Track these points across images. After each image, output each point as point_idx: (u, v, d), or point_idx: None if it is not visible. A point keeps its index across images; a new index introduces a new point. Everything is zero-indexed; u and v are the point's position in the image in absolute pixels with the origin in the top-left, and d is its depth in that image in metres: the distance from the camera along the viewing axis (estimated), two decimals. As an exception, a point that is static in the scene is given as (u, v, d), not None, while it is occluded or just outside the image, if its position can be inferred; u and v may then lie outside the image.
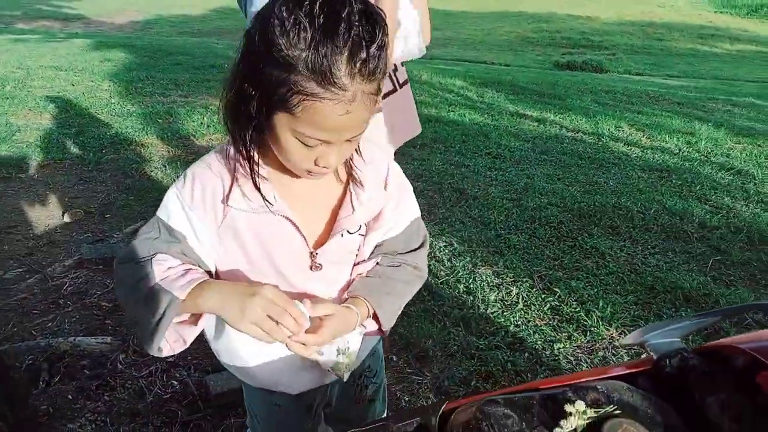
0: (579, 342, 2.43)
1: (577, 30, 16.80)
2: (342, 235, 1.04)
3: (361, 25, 0.77)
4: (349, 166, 1.04)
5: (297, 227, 0.99)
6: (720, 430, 0.73)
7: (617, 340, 2.45)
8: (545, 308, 2.64)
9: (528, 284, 2.83)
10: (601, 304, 2.65)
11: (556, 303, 2.68)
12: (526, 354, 2.33)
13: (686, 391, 0.77)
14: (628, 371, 0.84)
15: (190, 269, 0.98)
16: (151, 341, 0.94)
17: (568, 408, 0.74)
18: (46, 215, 3.40)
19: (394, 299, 1.09)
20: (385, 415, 1.37)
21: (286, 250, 1.02)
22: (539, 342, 2.41)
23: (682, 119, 6.23)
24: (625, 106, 6.90)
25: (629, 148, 5.12)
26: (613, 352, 2.36)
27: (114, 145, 4.50)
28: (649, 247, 3.27)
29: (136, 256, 0.97)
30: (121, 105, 5.59)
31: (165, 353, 0.99)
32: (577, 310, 2.64)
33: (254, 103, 0.85)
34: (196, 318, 0.98)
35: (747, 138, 5.59)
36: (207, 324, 1.11)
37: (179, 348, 0.99)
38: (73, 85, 6.25)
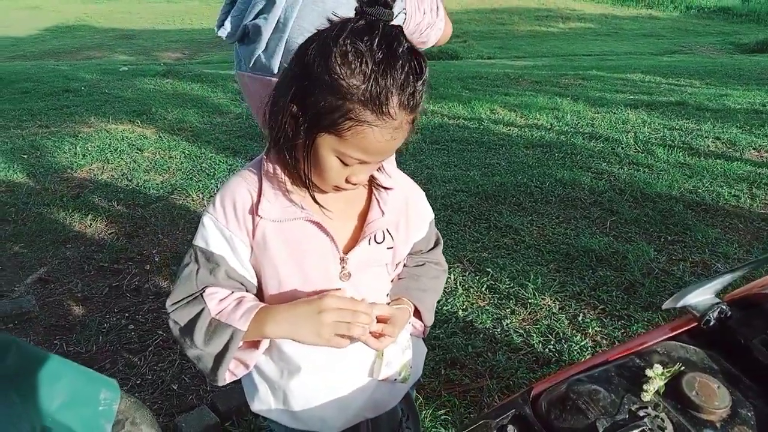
0: (523, 315, 2.60)
1: (427, 21, 17.54)
2: (369, 243, 1.06)
3: (412, 62, 0.85)
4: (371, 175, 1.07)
5: (326, 231, 1.01)
6: (766, 365, 0.86)
7: (553, 306, 2.65)
8: (483, 289, 2.79)
9: (460, 269, 2.97)
10: (531, 277, 2.84)
11: (491, 282, 2.84)
12: (481, 335, 2.45)
13: (731, 339, 0.89)
14: (675, 331, 0.94)
15: (242, 297, 1.01)
16: (215, 375, 1.00)
17: (648, 373, 0.83)
18: None
19: (429, 295, 1.16)
20: None
21: (316, 256, 1.02)
22: (488, 321, 2.54)
23: (544, 96, 6.78)
24: (492, 89, 7.36)
25: (509, 128, 5.49)
26: (555, 319, 2.56)
27: (-21, 190, 4.02)
28: (553, 217, 3.56)
29: (185, 297, 1.00)
30: (-27, 144, 4.99)
31: (228, 380, 1.03)
32: (511, 286, 2.81)
33: (299, 124, 0.89)
34: (256, 342, 1.01)
35: (602, 107, 6.22)
36: (228, 378, 1.08)
37: (241, 373, 1.04)
38: None
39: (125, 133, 5.25)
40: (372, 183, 1.07)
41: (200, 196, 3.91)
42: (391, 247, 1.09)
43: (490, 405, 2.06)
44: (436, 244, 1.23)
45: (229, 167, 4.42)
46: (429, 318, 1.18)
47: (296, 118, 0.89)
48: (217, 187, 4.02)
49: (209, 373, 1.01)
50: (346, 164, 0.91)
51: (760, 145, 4.81)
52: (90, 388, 0.82)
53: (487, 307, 2.65)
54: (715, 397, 0.83)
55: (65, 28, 16.71)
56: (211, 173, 4.31)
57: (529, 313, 2.62)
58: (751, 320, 0.92)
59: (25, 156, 4.68)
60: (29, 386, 0.75)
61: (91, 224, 3.50)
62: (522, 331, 2.48)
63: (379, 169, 1.06)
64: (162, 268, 3.05)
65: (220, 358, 0.98)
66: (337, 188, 0.97)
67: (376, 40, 0.82)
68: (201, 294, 0.99)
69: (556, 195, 3.86)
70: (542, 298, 2.71)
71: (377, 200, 1.06)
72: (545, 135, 5.24)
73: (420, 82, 0.86)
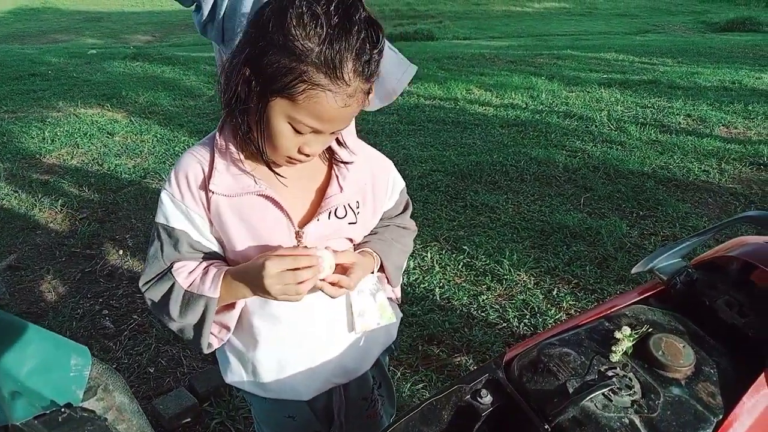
0: (499, 291, 2.63)
1: (402, 1, 17.40)
2: (329, 217, 1.05)
3: (368, 30, 0.84)
4: (330, 149, 1.07)
5: (280, 206, 1.00)
6: (730, 325, 0.88)
7: (529, 282, 2.68)
8: (459, 266, 2.81)
9: (437, 247, 2.98)
10: (507, 254, 2.87)
11: (468, 260, 2.86)
12: (458, 311, 2.47)
13: (697, 301, 0.91)
14: (643, 295, 0.96)
15: (209, 265, 1.02)
16: (199, 343, 1.03)
17: (617, 335, 0.84)
18: None
19: (394, 249, 1.15)
20: (394, 415, 1.42)
21: (271, 230, 1.01)
22: (465, 298, 2.56)
23: (519, 76, 6.79)
24: (468, 69, 7.35)
25: (484, 108, 5.50)
26: (530, 294, 2.59)
27: (-56, 177, 3.91)
28: (528, 195, 3.58)
29: (155, 275, 1.02)
30: (-64, 131, 4.85)
31: (216, 346, 1.07)
32: (487, 263, 2.84)
33: (252, 87, 0.88)
34: (232, 303, 1.04)
35: (576, 86, 6.26)
36: (216, 343, 1.10)
37: (226, 336, 1.07)
38: None
39: (95, 118, 5.14)
40: (332, 158, 1.06)
41: (174, 179, 3.85)
42: (354, 223, 1.08)
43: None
44: (404, 209, 1.23)
45: (202, 150, 4.35)
46: (395, 275, 1.16)
47: (249, 81, 0.87)
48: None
49: (193, 342, 1.03)
50: (298, 132, 0.89)
51: (729, 122, 4.90)
52: (60, 353, 0.81)
53: (464, 284, 2.67)
54: (680, 356, 0.84)
55: (30, 10, 16.22)
56: (185, 156, 4.25)
57: (505, 289, 2.64)
58: (715, 282, 0.94)
59: (-9, 142, 4.56)
60: None
61: (61, 210, 3.43)
62: (498, 307, 2.51)
63: (340, 144, 1.05)
64: (135, 252, 3.01)
65: (199, 328, 1.00)
66: (290, 160, 0.95)
67: (333, 4, 0.81)
68: (169, 270, 1.00)
69: (531, 173, 3.89)
70: (518, 274, 2.74)
71: (336, 176, 1.05)
72: (520, 114, 5.27)
73: (376, 51, 0.85)
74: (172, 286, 0.99)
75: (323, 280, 0.96)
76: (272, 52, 0.83)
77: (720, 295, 0.91)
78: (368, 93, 0.90)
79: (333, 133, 0.93)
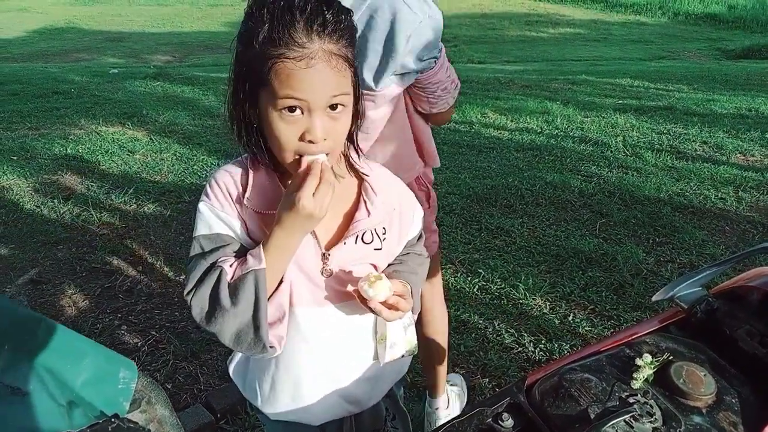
0: (514, 315, 2.63)
1: (417, 25, 17.59)
2: (356, 242, 1.06)
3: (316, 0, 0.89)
4: (358, 176, 1.09)
5: None
6: (751, 355, 0.89)
7: (544, 307, 2.68)
8: (475, 290, 2.82)
9: (452, 270, 2.99)
10: (522, 278, 2.88)
11: (483, 283, 2.87)
12: (473, 334, 2.48)
13: (717, 330, 0.92)
14: (664, 323, 0.98)
15: (247, 252, 0.99)
16: (260, 337, 0.96)
17: (638, 362, 0.86)
18: None
19: (418, 282, 1.17)
20: None
21: (299, 250, 1.01)
22: (480, 321, 2.57)
23: (534, 100, 6.83)
24: (483, 93, 7.41)
25: (499, 132, 5.53)
26: (545, 319, 2.59)
27: (-31, 191, 4.00)
28: (543, 220, 3.59)
29: (198, 277, 0.98)
30: (-38, 146, 4.97)
31: (276, 343, 1.00)
32: (502, 286, 2.84)
33: (242, 99, 0.95)
34: (281, 317, 1.01)
35: (591, 111, 6.28)
36: (233, 360, 1.14)
37: (283, 343, 1.02)
38: None
39: (116, 136, 5.24)
40: (361, 186, 1.09)
41: (192, 198, 3.91)
42: (379, 249, 1.10)
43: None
44: (419, 239, 1.24)
45: (221, 169, 4.42)
46: (417, 305, 1.18)
47: (238, 94, 0.94)
48: (209, 188, 4.03)
49: (254, 341, 0.97)
50: (289, 113, 0.91)
51: (746, 149, 4.89)
52: (110, 366, 0.85)
53: (479, 307, 2.68)
54: (701, 385, 0.85)
55: (54, 30, 16.59)
56: (203, 175, 4.31)
57: (520, 314, 2.65)
58: (736, 312, 0.95)
59: (15, 158, 4.66)
60: (56, 363, 0.77)
61: (82, 226, 3.49)
62: (513, 331, 2.51)
63: (355, 154, 1.08)
64: (154, 269, 3.05)
65: (257, 314, 0.95)
66: (300, 157, 0.95)
67: None
68: (212, 269, 0.98)
69: (547, 197, 3.90)
70: (533, 299, 2.74)
71: (364, 200, 1.07)
72: (536, 138, 5.29)
73: (329, 12, 0.89)
74: (220, 275, 0.96)
75: (383, 303, 0.98)
76: (242, 57, 0.92)
77: (741, 325, 0.93)
78: (345, 57, 0.92)
79: (332, 116, 0.93)
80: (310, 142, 0.93)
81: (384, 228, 1.10)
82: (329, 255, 1.04)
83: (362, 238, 1.07)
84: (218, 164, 4.52)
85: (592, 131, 5.49)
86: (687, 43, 15.72)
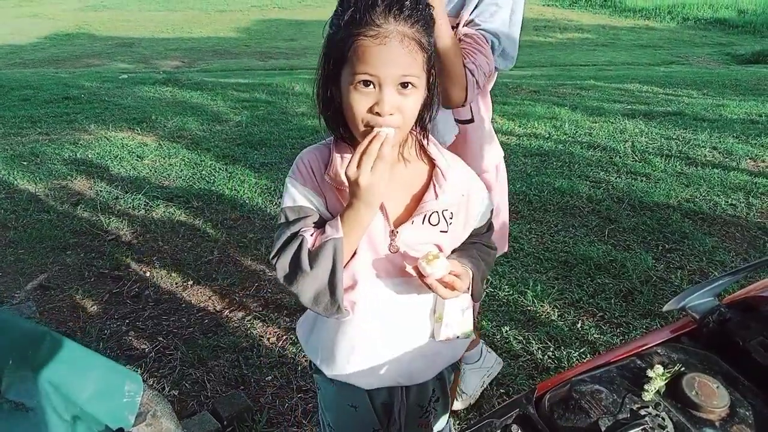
0: (522, 322, 2.61)
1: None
2: (423, 222, 1.13)
3: None
4: (431, 161, 1.15)
5: (380, 203, 1.07)
6: (764, 366, 0.87)
7: (552, 314, 2.67)
8: (483, 297, 2.80)
9: (460, 276, 2.97)
10: (530, 284, 2.86)
11: (491, 290, 2.86)
12: (481, 341, 2.46)
13: (729, 341, 0.91)
14: (675, 333, 0.96)
15: (325, 224, 1.10)
16: (336, 298, 1.06)
17: (649, 373, 0.84)
18: None
19: (482, 271, 1.20)
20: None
21: (370, 227, 1.09)
22: (489, 328, 2.55)
23: (542, 106, 6.81)
24: (491, 98, 7.39)
25: (508, 137, 5.51)
26: (554, 326, 2.57)
27: (-21, 196, 4.03)
28: (552, 226, 3.58)
29: (282, 243, 1.09)
30: (-27, 151, 5.01)
31: (352, 312, 1.13)
32: (510, 293, 2.83)
33: (330, 75, 1.03)
34: (353, 284, 1.12)
35: (600, 117, 6.25)
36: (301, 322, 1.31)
37: (356, 296, 1.13)
38: None
39: (125, 141, 5.27)
40: (432, 167, 1.14)
41: (200, 203, 3.92)
42: (445, 231, 1.15)
43: (490, 410, 2.07)
44: (488, 230, 1.29)
45: (228, 175, 4.43)
46: (478, 292, 1.21)
47: (324, 73, 1.04)
48: (217, 194, 4.04)
49: (330, 302, 1.07)
50: (365, 87, 0.99)
51: (756, 155, 4.85)
52: (116, 380, 0.85)
53: (487, 314, 2.67)
54: (714, 397, 0.84)
55: (64, 36, 16.73)
56: (211, 180, 4.32)
57: (528, 320, 2.63)
58: (749, 322, 0.94)
59: (25, 163, 4.70)
60: (61, 377, 0.77)
61: (91, 231, 3.51)
62: (521, 338, 2.50)
63: (428, 143, 1.14)
64: (162, 274, 3.06)
65: (333, 279, 1.05)
66: (369, 128, 1.01)
67: None
68: (294, 237, 1.08)
69: (555, 203, 3.88)
70: (541, 306, 2.72)
71: (434, 184, 1.13)
72: (543, 144, 5.28)
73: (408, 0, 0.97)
74: (301, 243, 1.06)
75: (439, 280, 1.03)
76: (330, 37, 1.02)
77: (753, 336, 0.91)
78: (419, 42, 0.99)
79: (402, 93, 1.00)
80: (378, 114, 1.00)
81: (451, 213, 1.16)
82: (397, 232, 1.12)
83: (429, 219, 1.14)
84: (226, 170, 4.54)
85: (600, 137, 5.47)
86: (696, 48, 15.66)
